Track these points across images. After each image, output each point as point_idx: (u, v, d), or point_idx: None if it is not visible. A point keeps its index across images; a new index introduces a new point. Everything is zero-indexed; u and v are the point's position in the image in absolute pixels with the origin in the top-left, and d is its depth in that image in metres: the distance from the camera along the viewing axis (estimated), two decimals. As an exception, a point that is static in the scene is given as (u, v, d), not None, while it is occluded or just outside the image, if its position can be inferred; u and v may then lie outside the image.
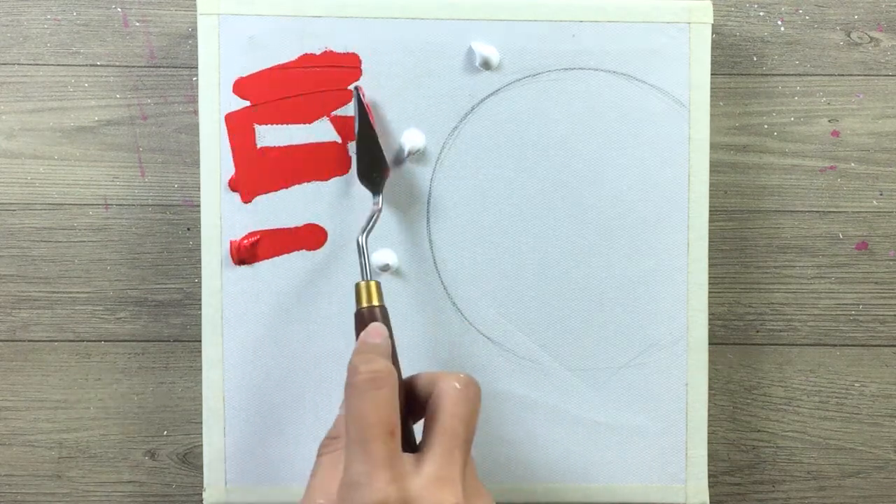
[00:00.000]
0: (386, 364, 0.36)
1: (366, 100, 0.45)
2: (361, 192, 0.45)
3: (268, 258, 0.46)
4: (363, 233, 0.42)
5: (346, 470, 0.33)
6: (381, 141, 0.44)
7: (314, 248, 0.46)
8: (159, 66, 0.48)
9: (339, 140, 0.46)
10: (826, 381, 0.49)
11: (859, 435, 0.49)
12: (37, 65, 0.48)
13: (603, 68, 0.46)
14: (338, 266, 0.46)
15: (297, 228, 0.46)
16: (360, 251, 0.41)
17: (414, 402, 0.37)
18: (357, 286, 0.39)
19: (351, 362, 0.36)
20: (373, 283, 0.39)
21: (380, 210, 0.43)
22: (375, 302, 0.39)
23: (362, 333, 0.38)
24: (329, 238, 0.46)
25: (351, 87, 0.45)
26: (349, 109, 0.45)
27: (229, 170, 0.45)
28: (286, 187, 0.46)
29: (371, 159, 0.44)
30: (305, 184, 0.46)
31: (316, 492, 0.35)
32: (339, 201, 0.46)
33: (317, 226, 0.46)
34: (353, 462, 0.33)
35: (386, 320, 0.39)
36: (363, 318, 0.39)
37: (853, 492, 0.49)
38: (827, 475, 0.49)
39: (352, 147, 0.45)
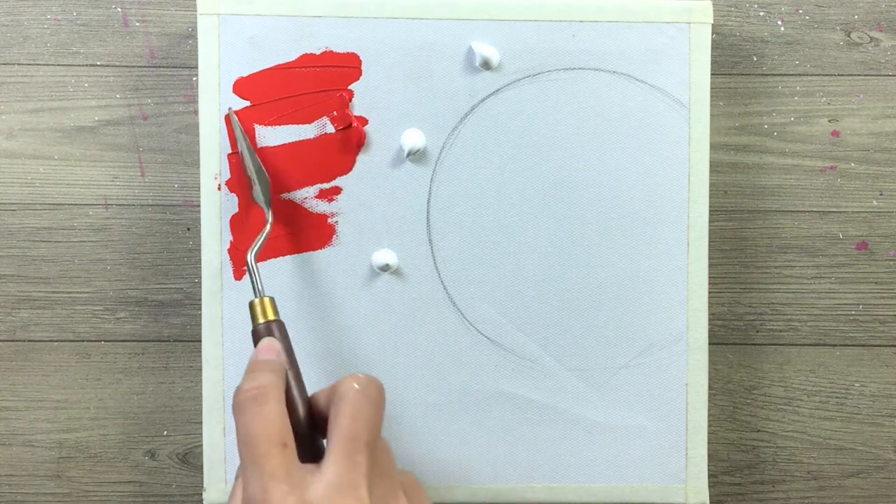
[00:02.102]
0: (268, 378, 0.35)
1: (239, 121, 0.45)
2: (363, 191, 0.46)
3: (269, 259, 0.46)
4: (251, 251, 0.41)
5: (244, 491, 0.33)
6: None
7: (315, 249, 0.46)
8: (159, 66, 0.48)
9: (339, 140, 0.46)
10: (826, 381, 0.49)
11: (859, 435, 0.49)
12: (37, 65, 0.48)
13: (603, 68, 0.46)
14: (339, 266, 0.46)
15: (298, 230, 0.46)
16: (250, 269, 0.41)
17: (319, 416, 0.36)
18: (251, 304, 0.39)
19: (241, 382, 0.35)
20: (266, 299, 0.39)
21: (271, 225, 0.43)
22: (270, 317, 0.39)
23: (253, 352, 0.37)
24: (330, 238, 0.46)
25: (225, 111, 0.45)
26: (350, 109, 0.45)
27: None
28: (287, 188, 0.46)
29: (260, 178, 0.44)
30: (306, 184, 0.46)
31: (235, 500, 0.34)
32: (340, 201, 0.46)
33: (319, 226, 0.46)
34: (250, 481, 0.32)
35: (283, 334, 0.38)
36: (259, 335, 0.38)
37: (853, 492, 0.49)
38: (827, 475, 0.49)
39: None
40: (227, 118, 0.45)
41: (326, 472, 0.33)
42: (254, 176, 0.44)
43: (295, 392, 0.37)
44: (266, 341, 0.38)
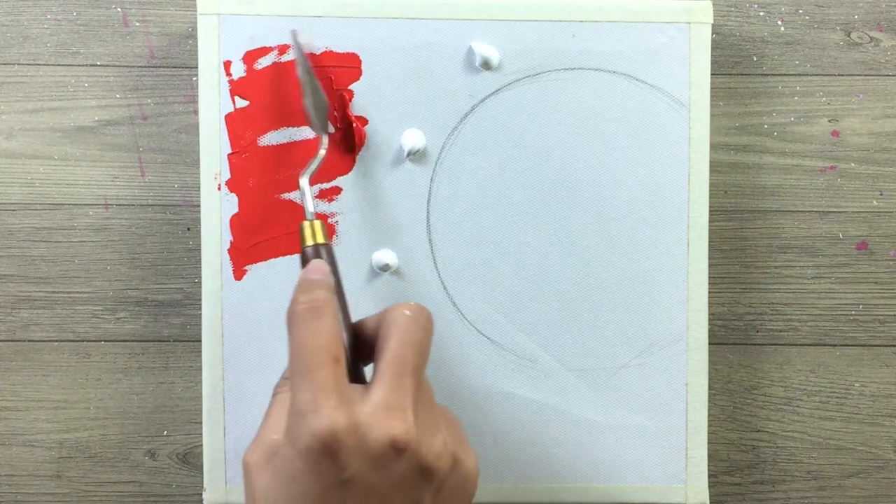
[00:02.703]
0: (324, 294, 0.35)
1: (303, 43, 0.44)
2: (365, 191, 0.46)
3: (269, 259, 0.46)
4: (305, 173, 0.41)
5: (292, 402, 0.32)
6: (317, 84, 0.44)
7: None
8: (159, 66, 0.48)
9: (339, 140, 0.46)
10: (826, 381, 0.49)
11: (859, 435, 0.49)
12: (37, 65, 0.48)
13: (603, 68, 0.46)
14: (339, 266, 0.46)
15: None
16: (302, 192, 0.41)
17: (364, 343, 0.36)
18: (301, 226, 0.39)
19: (293, 294, 0.35)
20: (317, 223, 0.39)
21: (325, 149, 0.43)
22: (320, 240, 0.39)
23: (303, 271, 0.37)
24: (330, 238, 0.46)
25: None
26: (350, 109, 0.45)
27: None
28: (287, 188, 0.45)
29: (318, 101, 0.44)
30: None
31: (269, 429, 0.34)
32: (340, 201, 0.46)
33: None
34: (298, 391, 0.32)
35: (331, 258, 0.38)
36: (307, 258, 0.38)
37: (853, 492, 0.49)
38: (827, 475, 0.49)
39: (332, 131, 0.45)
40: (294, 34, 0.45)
41: (375, 393, 0.33)
42: (311, 98, 0.43)
43: (340, 317, 0.37)
44: (315, 262, 0.37)
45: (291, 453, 0.32)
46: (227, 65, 0.45)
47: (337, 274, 0.38)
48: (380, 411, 0.32)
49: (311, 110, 0.44)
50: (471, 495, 0.35)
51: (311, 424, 0.31)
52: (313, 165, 0.42)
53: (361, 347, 0.37)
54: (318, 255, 0.38)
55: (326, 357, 0.33)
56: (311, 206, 0.40)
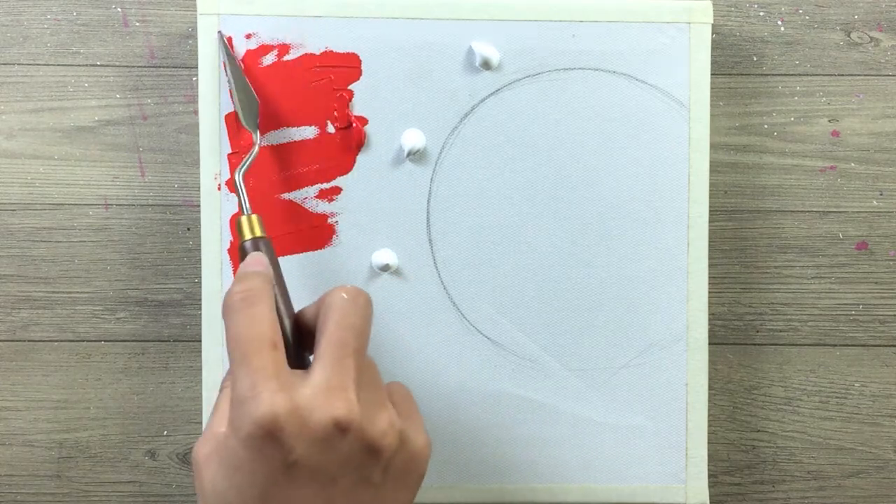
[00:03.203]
0: (259, 283, 0.35)
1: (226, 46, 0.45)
2: (366, 191, 0.46)
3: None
4: (239, 170, 0.41)
5: (232, 391, 0.32)
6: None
7: (315, 249, 0.46)
8: (159, 66, 0.48)
9: (339, 140, 0.46)
10: (826, 381, 0.49)
11: (859, 435, 0.49)
12: (37, 65, 0.48)
13: (603, 68, 0.46)
14: (339, 266, 0.46)
15: (298, 230, 0.46)
16: (238, 187, 0.41)
17: (307, 332, 0.36)
18: (238, 221, 0.39)
19: (228, 289, 0.35)
20: (254, 217, 0.39)
21: (259, 147, 0.43)
22: (258, 233, 0.39)
23: (241, 264, 0.37)
24: (330, 238, 0.46)
25: (215, 34, 0.45)
26: (350, 109, 0.45)
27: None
28: (287, 188, 0.46)
29: (249, 101, 0.44)
30: (307, 185, 0.46)
31: (215, 422, 0.33)
32: (340, 201, 0.46)
33: (319, 226, 0.46)
34: (238, 380, 0.32)
35: (269, 251, 0.38)
36: (245, 251, 0.38)
37: (853, 492, 0.49)
38: (827, 475, 0.49)
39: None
40: (220, 38, 0.45)
41: (315, 375, 0.33)
42: (239, 97, 0.44)
43: (281, 305, 0.37)
44: (254, 255, 0.38)
45: (235, 443, 0.32)
46: (228, 64, 0.45)
47: (276, 265, 0.38)
48: (321, 393, 0.32)
49: (239, 108, 0.44)
50: (421, 474, 0.35)
51: (252, 411, 0.31)
52: (246, 162, 0.42)
53: (305, 336, 0.37)
54: (256, 248, 0.38)
55: (262, 343, 0.33)
56: (246, 202, 0.40)
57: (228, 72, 0.44)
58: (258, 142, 0.43)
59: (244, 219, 0.39)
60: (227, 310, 0.34)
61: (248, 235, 0.39)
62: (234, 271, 0.45)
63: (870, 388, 0.49)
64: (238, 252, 0.39)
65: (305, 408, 0.32)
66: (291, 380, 0.33)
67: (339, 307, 0.34)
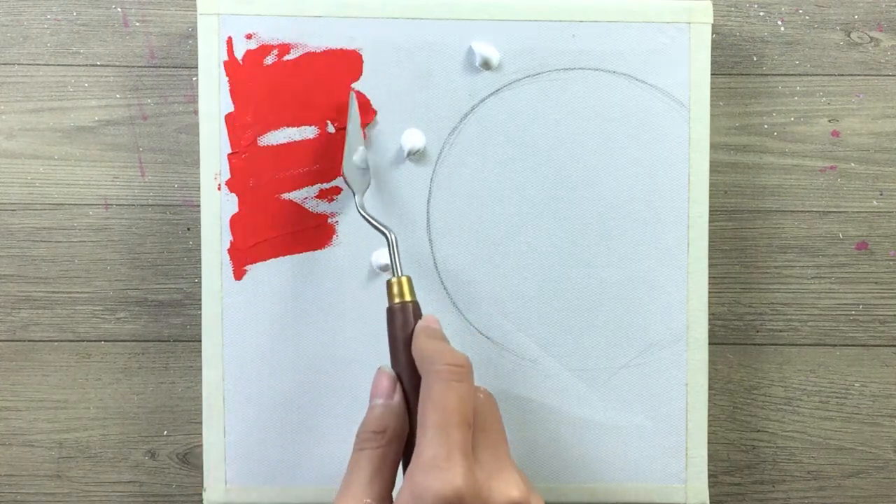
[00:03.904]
0: (467, 359, 0.36)
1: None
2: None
3: (269, 259, 0.46)
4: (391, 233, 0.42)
5: (420, 454, 0.33)
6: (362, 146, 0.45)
7: (315, 249, 0.46)
8: (159, 66, 0.48)
9: (339, 140, 0.46)
10: (826, 381, 0.49)
11: (859, 435, 0.49)
12: (37, 65, 0.48)
13: (603, 68, 0.46)
14: (339, 266, 0.46)
15: (298, 230, 0.46)
16: (392, 252, 0.41)
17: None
18: (389, 283, 0.40)
19: (427, 349, 0.36)
20: (404, 279, 0.40)
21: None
22: (408, 298, 0.40)
23: (428, 319, 0.39)
24: (330, 238, 0.46)
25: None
26: (350, 109, 0.45)
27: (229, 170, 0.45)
28: (287, 188, 0.46)
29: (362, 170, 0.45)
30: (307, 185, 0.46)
31: (360, 489, 0.35)
32: (340, 201, 0.46)
33: (319, 226, 0.46)
34: (431, 446, 0.33)
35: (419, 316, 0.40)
36: (407, 313, 0.39)
37: (853, 492, 0.49)
38: (827, 475, 0.49)
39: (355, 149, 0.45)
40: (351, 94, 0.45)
41: (489, 462, 0.35)
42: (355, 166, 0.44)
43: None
44: (433, 317, 0.39)
45: (409, 500, 0.33)
46: (228, 64, 0.45)
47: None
48: (497, 476, 0.34)
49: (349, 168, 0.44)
50: None
51: (443, 482, 0.32)
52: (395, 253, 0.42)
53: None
54: (416, 311, 0.39)
55: (464, 421, 0.34)
56: (399, 264, 0.41)
57: (352, 129, 0.44)
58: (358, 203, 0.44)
59: (405, 279, 0.40)
60: (438, 377, 0.35)
61: (408, 297, 0.40)
62: (235, 272, 0.45)
63: (870, 388, 0.49)
64: (391, 313, 0.39)
65: (486, 489, 0.34)
66: (474, 462, 0.34)
67: (490, 409, 0.37)
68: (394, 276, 0.40)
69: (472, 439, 0.35)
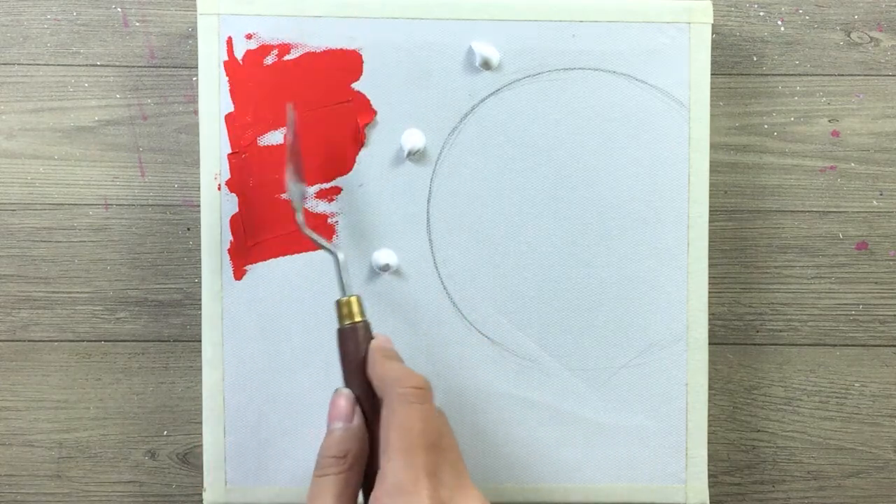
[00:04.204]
0: (426, 381, 0.36)
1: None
2: (364, 191, 0.46)
3: (269, 259, 0.46)
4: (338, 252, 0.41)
5: (385, 478, 0.34)
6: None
7: (316, 249, 0.46)
8: (159, 66, 0.48)
9: (340, 140, 0.46)
10: (826, 381, 0.49)
11: (859, 435, 0.49)
12: (37, 65, 0.48)
13: (603, 68, 0.46)
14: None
15: (298, 230, 0.46)
16: (339, 267, 0.41)
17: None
18: (345, 301, 0.39)
19: (387, 371, 0.37)
20: (353, 299, 0.39)
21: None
22: (361, 317, 0.39)
23: (380, 339, 0.39)
24: (331, 238, 0.46)
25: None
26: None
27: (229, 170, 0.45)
28: (287, 188, 0.45)
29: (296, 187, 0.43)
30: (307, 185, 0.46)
31: None
32: (340, 201, 0.46)
33: (319, 226, 0.46)
34: (397, 470, 0.34)
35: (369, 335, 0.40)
36: (357, 334, 0.39)
37: (853, 492, 0.49)
38: (827, 475, 0.49)
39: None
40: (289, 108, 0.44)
41: (451, 480, 0.35)
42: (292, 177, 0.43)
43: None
44: (386, 337, 0.40)
45: None
46: (227, 64, 0.45)
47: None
48: (460, 494, 0.35)
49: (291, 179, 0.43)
50: None
51: (412, 503, 0.33)
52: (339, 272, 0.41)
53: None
54: (367, 331, 0.39)
55: (429, 442, 0.35)
56: (347, 282, 0.40)
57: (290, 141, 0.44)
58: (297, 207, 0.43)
59: (353, 300, 0.39)
60: (400, 399, 0.35)
61: (357, 318, 0.39)
62: (235, 272, 0.45)
63: (870, 388, 0.49)
64: (352, 332, 0.39)
65: None
66: (441, 481, 0.35)
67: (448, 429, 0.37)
68: (343, 296, 0.40)
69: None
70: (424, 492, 0.33)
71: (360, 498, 0.37)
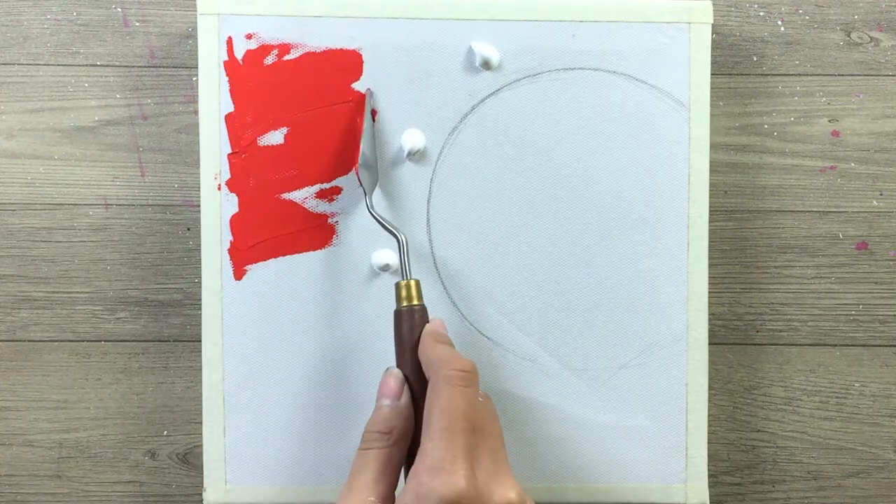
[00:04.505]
0: (473, 365, 0.37)
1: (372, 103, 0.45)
2: (362, 191, 0.46)
3: (269, 259, 0.46)
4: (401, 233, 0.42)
5: (425, 455, 0.34)
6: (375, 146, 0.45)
7: (315, 249, 0.46)
8: (159, 66, 0.48)
9: (340, 140, 0.46)
10: (826, 381, 0.49)
11: (859, 435, 0.49)
12: (37, 65, 0.48)
13: (603, 68, 0.46)
14: (339, 266, 0.46)
15: (298, 230, 0.46)
16: (402, 252, 0.42)
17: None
18: (405, 285, 0.40)
19: (436, 354, 0.37)
20: (413, 282, 0.40)
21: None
22: (416, 302, 0.40)
23: (435, 323, 0.40)
24: (330, 238, 0.46)
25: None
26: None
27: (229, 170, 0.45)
28: (287, 188, 0.45)
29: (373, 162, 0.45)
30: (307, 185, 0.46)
31: (365, 488, 0.35)
32: (340, 201, 0.46)
33: (319, 226, 0.46)
34: (437, 449, 0.34)
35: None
36: (413, 316, 0.40)
37: (853, 492, 0.49)
38: (827, 475, 0.49)
39: (366, 150, 0.45)
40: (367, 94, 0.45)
41: (487, 465, 0.35)
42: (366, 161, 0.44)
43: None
44: (441, 321, 0.40)
45: (413, 500, 0.33)
46: (227, 64, 0.45)
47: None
48: (496, 480, 0.35)
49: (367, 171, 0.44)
50: None
51: (446, 484, 0.33)
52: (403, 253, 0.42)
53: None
54: (423, 315, 0.40)
55: (469, 425, 0.35)
56: (409, 266, 0.41)
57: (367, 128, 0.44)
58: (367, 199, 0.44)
59: (412, 283, 0.40)
60: (447, 381, 0.36)
61: (416, 301, 0.40)
62: (235, 272, 0.45)
63: (870, 388, 0.49)
64: (399, 316, 0.40)
65: (486, 491, 0.34)
66: (475, 466, 0.35)
67: (491, 413, 0.37)
68: (403, 279, 0.41)
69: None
70: (461, 472, 0.33)
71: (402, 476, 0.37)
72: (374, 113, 0.45)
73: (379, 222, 0.43)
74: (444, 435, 0.34)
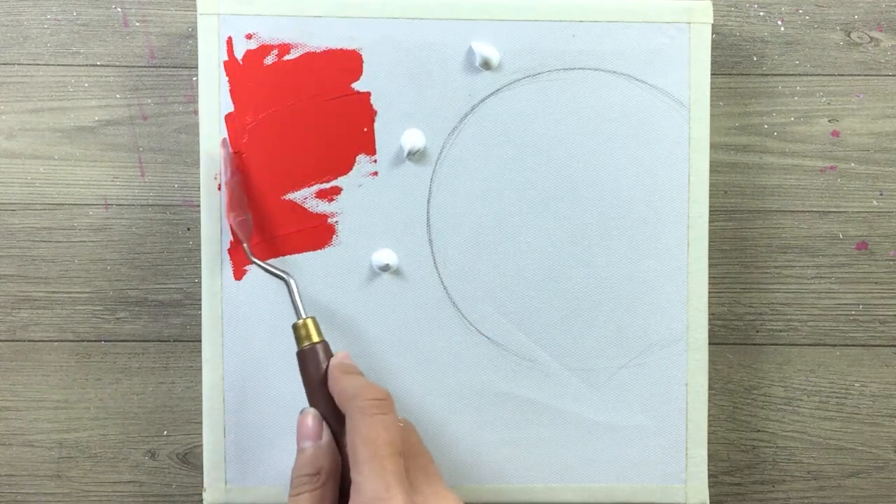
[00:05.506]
0: (386, 392, 0.37)
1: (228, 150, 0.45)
2: (364, 191, 0.46)
3: (269, 259, 0.46)
4: (290, 277, 0.43)
5: (359, 490, 0.34)
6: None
7: (315, 249, 0.46)
8: (159, 66, 0.48)
9: (340, 140, 0.46)
10: (826, 381, 0.49)
11: (859, 435, 0.49)
12: (37, 65, 0.48)
13: (603, 68, 0.46)
14: (339, 266, 0.46)
15: (298, 230, 0.46)
16: (290, 291, 0.42)
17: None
18: (302, 324, 0.41)
19: (346, 386, 0.37)
20: (309, 321, 0.41)
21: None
22: (316, 339, 0.41)
23: (340, 356, 0.40)
24: (330, 238, 0.46)
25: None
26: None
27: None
28: (287, 188, 0.46)
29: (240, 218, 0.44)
30: (307, 185, 0.46)
31: None
32: (340, 201, 0.46)
33: (319, 226, 0.46)
34: (369, 481, 0.34)
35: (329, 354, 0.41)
36: (317, 354, 0.40)
37: (853, 492, 0.49)
38: (827, 475, 0.49)
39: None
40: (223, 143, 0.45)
41: (424, 487, 0.36)
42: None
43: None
44: (346, 353, 0.41)
45: None
46: (227, 64, 0.45)
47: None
48: (433, 498, 0.36)
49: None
50: None
51: None
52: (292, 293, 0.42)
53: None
54: (327, 351, 0.41)
55: (394, 449, 0.35)
56: (301, 305, 0.42)
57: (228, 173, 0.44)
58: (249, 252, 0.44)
59: (309, 322, 0.41)
60: (362, 413, 0.36)
61: (315, 338, 0.41)
62: (235, 272, 0.45)
63: (870, 388, 0.49)
64: (311, 353, 0.40)
65: None
66: (410, 489, 0.35)
67: (416, 439, 0.39)
68: (298, 319, 0.41)
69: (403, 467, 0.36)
70: (398, 498, 0.33)
71: None
72: (367, 114, 0.45)
73: (263, 268, 0.43)
74: (372, 466, 0.34)
